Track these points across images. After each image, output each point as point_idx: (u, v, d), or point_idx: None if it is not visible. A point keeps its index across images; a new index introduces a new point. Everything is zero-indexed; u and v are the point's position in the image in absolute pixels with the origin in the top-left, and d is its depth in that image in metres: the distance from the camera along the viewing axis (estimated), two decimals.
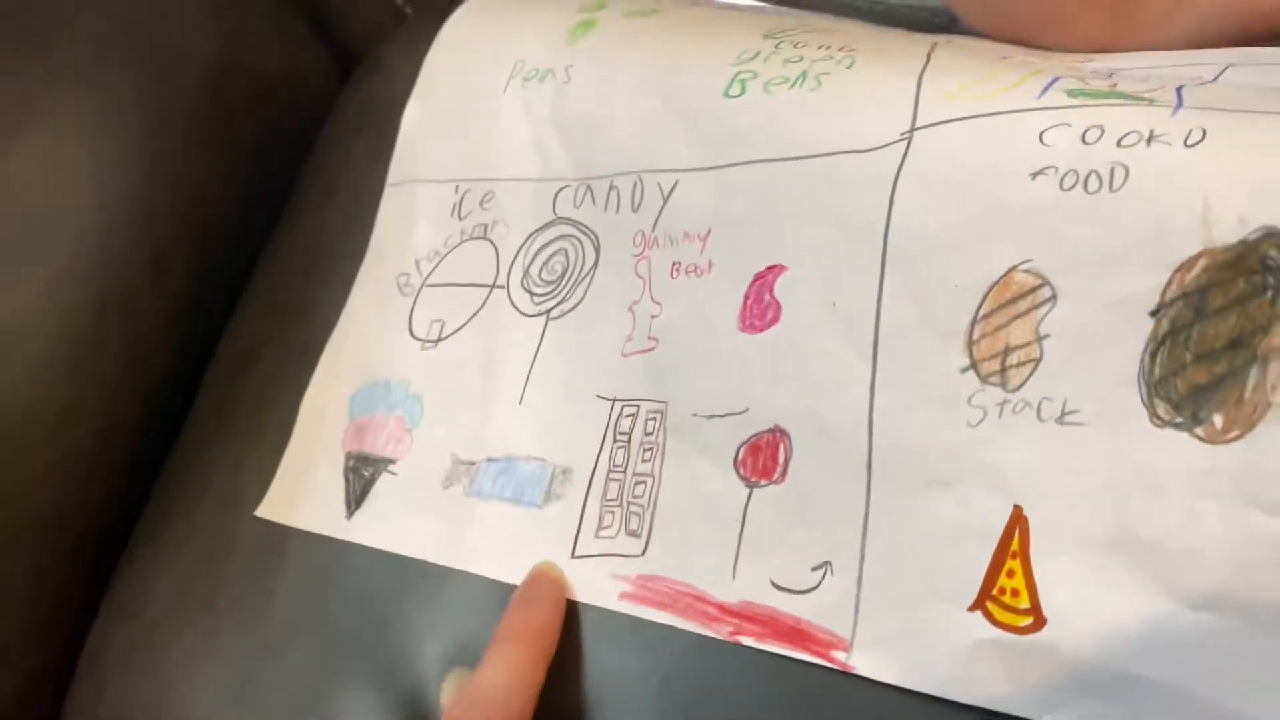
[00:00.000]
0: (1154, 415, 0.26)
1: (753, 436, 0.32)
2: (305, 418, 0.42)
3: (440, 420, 0.39)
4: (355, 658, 0.37)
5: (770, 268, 0.33)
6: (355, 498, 0.39)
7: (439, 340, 0.40)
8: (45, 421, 0.44)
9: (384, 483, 0.39)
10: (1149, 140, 0.27)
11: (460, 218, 0.42)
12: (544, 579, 0.34)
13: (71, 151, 0.46)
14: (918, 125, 0.31)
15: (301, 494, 0.41)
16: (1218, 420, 0.25)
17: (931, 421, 0.29)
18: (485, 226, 0.41)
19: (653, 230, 0.36)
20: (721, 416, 0.33)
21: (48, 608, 0.45)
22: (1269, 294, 0.25)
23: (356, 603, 0.38)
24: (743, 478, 0.32)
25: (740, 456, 0.32)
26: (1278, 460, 0.24)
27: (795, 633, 0.30)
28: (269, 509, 0.41)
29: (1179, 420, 0.26)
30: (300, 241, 0.47)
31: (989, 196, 0.29)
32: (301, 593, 0.39)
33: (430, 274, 0.42)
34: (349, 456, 0.40)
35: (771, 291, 0.33)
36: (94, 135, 0.46)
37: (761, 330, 0.33)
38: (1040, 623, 0.27)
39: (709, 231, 0.35)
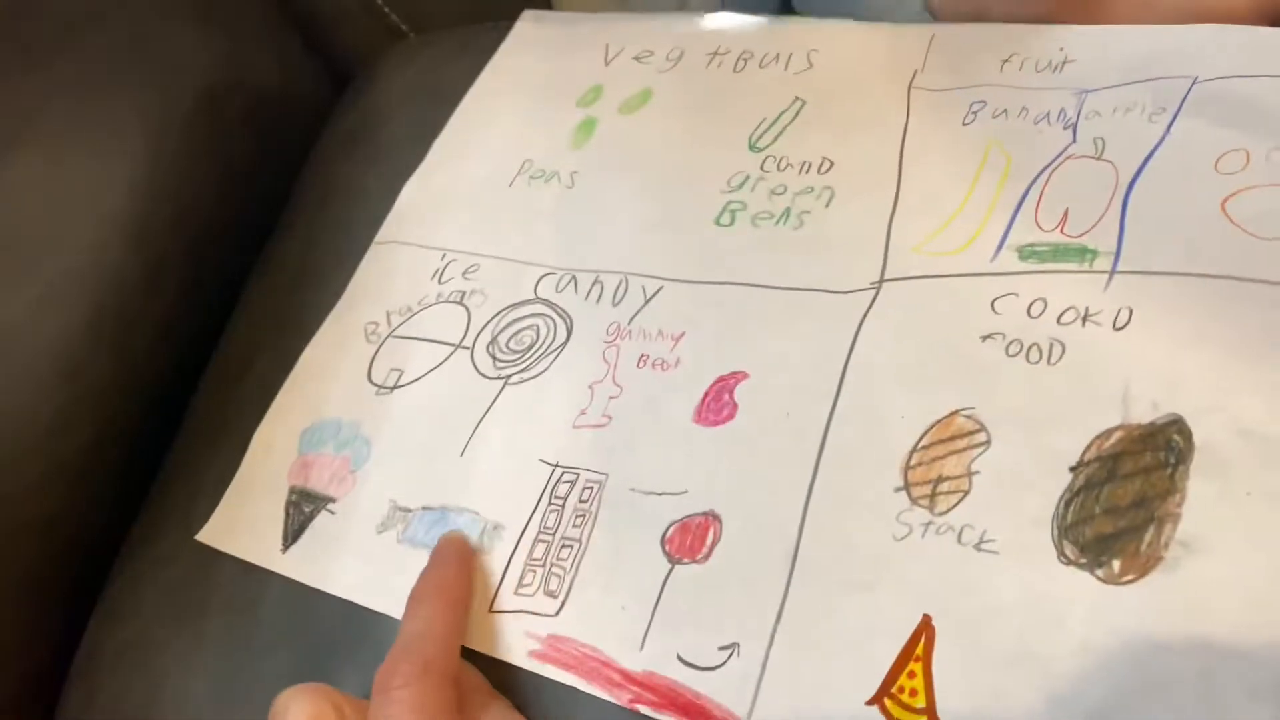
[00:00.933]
0: (1061, 554, 0.29)
1: (685, 517, 0.34)
2: (256, 447, 0.43)
3: (384, 464, 0.40)
4: (339, 661, 0.37)
5: (734, 373, 0.36)
6: (293, 532, 0.40)
7: (394, 388, 0.42)
8: (38, 429, 0.44)
9: (321, 520, 0.40)
10: (1084, 320, 0.32)
11: (440, 282, 0.44)
12: (449, 541, 0.36)
13: (69, 164, 0.47)
14: (886, 278, 0.36)
15: (242, 522, 0.41)
16: (1116, 565, 0.29)
17: (860, 529, 0.32)
18: (463, 294, 0.43)
19: (629, 324, 0.39)
20: (659, 494, 0.35)
21: (41, 611, 0.44)
22: (1169, 470, 0.29)
23: (341, 608, 0.37)
24: (667, 554, 0.34)
25: (669, 534, 0.34)
26: (1165, 604, 0.27)
27: (693, 707, 0.31)
28: (210, 534, 0.41)
29: (1083, 561, 0.29)
30: (292, 252, 0.48)
31: (942, 348, 0.33)
32: (289, 598, 0.39)
33: (398, 327, 0.43)
34: (292, 490, 0.41)
35: (731, 393, 0.36)
36: (91, 149, 0.48)
37: (715, 425, 0.35)
38: None
39: (683, 334, 0.38)
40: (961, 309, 0.34)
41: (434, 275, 0.44)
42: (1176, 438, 0.29)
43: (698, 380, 0.36)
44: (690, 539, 0.34)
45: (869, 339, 0.35)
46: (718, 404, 0.36)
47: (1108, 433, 0.30)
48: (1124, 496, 0.29)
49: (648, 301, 0.39)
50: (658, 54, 0.47)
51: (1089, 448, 0.30)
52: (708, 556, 0.33)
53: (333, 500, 0.40)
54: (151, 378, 0.48)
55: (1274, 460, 0.28)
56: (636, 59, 0.47)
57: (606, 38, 0.49)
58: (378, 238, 0.47)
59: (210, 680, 0.38)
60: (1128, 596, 0.28)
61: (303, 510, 0.40)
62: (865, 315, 0.35)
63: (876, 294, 0.35)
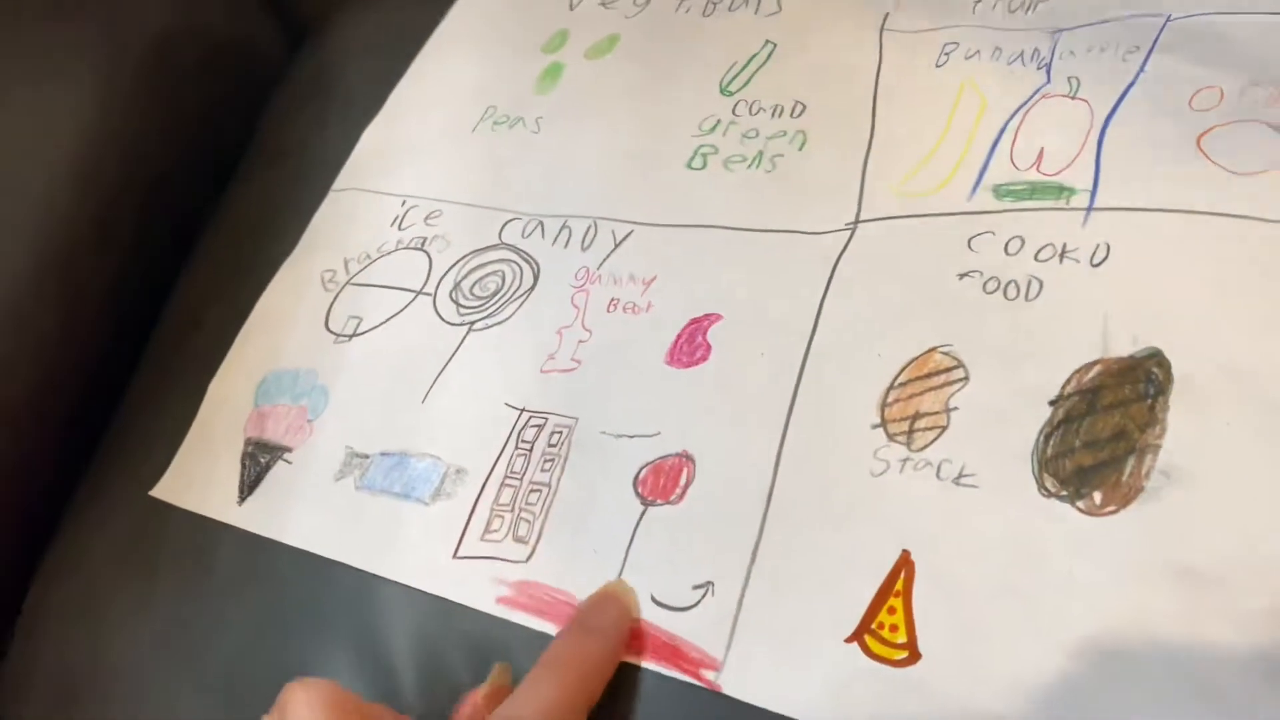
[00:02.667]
0: (1042, 487, 0.29)
1: (658, 458, 0.33)
2: (211, 400, 0.41)
3: (342, 413, 0.39)
4: (296, 611, 0.36)
5: (707, 315, 0.35)
6: (248, 484, 0.39)
7: (353, 336, 0.40)
8: None
9: (278, 471, 0.38)
10: (1061, 256, 0.32)
11: (401, 228, 0.42)
12: (609, 604, 0.31)
13: (14, 110, 0.45)
14: (861, 218, 0.35)
15: (198, 476, 0.40)
16: (1097, 497, 0.28)
17: (836, 466, 0.31)
18: (424, 240, 0.42)
19: (598, 269, 0.38)
20: (630, 436, 0.34)
21: None
22: (1149, 401, 0.29)
23: (298, 556, 0.36)
24: (640, 496, 0.33)
25: (641, 476, 0.33)
26: (1147, 533, 0.27)
27: (668, 649, 0.30)
28: (164, 489, 0.40)
29: (1064, 494, 0.29)
30: (246, 204, 0.47)
31: (920, 287, 0.33)
32: (242, 547, 0.37)
33: (357, 274, 0.42)
34: (248, 442, 0.40)
35: (705, 334, 0.35)
36: (36, 95, 0.46)
37: (689, 366, 0.35)
38: (915, 658, 0.28)
39: (654, 278, 0.37)
40: (938, 248, 0.33)
41: (394, 222, 0.43)
42: (1156, 370, 0.29)
43: (670, 323, 0.36)
44: (663, 480, 0.33)
45: (844, 279, 0.34)
46: (691, 346, 0.35)
47: (1087, 367, 0.30)
48: (1104, 429, 0.29)
49: (618, 245, 0.38)
50: (621, 1, 0.46)
51: (1068, 382, 0.30)
52: (681, 497, 0.32)
53: (289, 450, 0.39)
54: (101, 328, 0.46)
55: (1253, 391, 0.28)
56: (603, 4, 0.46)
57: None
58: (335, 185, 0.45)
59: (161, 629, 0.37)
60: (1109, 527, 0.28)
61: (259, 461, 0.39)
62: (840, 255, 0.35)
63: (852, 235, 0.35)
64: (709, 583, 0.31)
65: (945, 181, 0.35)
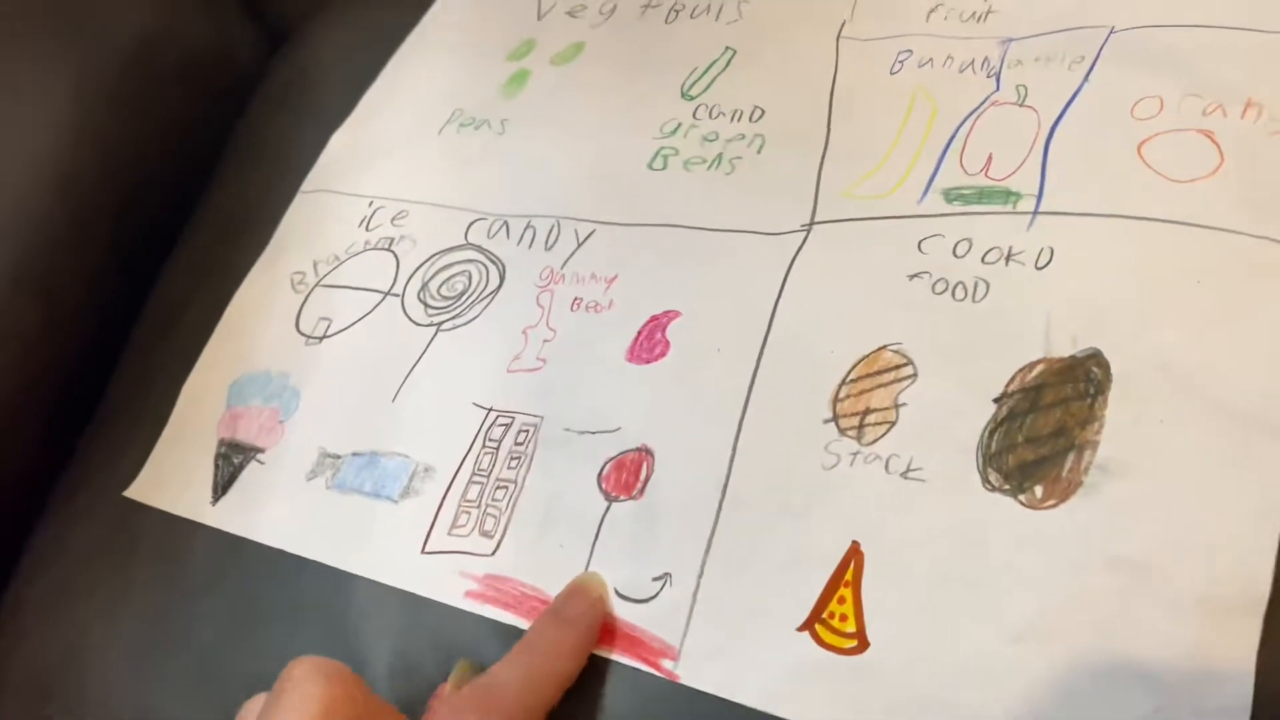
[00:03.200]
0: (986, 481, 0.30)
1: (620, 453, 0.34)
2: (184, 402, 0.42)
3: (313, 413, 0.39)
4: (270, 603, 0.36)
5: (666, 312, 0.36)
6: (222, 484, 0.39)
7: (323, 337, 0.41)
8: None
9: (251, 471, 0.39)
10: (1007, 259, 0.33)
11: (368, 229, 0.43)
12: (582, 595, 0.32)
13: None
14: (816, 220, 0.36)
15: (172, 477, 0.40)
16: (1038, 491, 0.29)
17: (789, 459, 0.32)
18: (391, 240, 0.43)
19: (562, 268, 0.39)
20: (594, 433, 0.35)
21: None
22: (1089, 400, 0.30)
23: (272, 554, 0.37)
24: (604, 492, 0.34)
25: (605, 471, 0.34)
26: (1085, 526, 0.29)
27: (628, 639, 0.31)
28: (139, 490, 0.41)
29: (1006, 487, 0.30)
30: (223, 205, 0.48)
31: (872, 287, 0.34)
32: (218, 545, 0.38)
33: (326, 275, 0.43)
34: (221, 443, 0.40)
35: (664, 331, 0.36)
36: (15, 96, 0.46)
37: (648, 362, 0.36)
38: (864, 646, 0.29)
39: (615, 276, 0.38)
40: (889, 250, 0.35)
41: (361, 223, 0.44)
42: (1095, 370, 0.30)
43: (631, 320, 0.37)
44: (625, 475, 0.34)
45: (799, 278, 0.35)
46: (650, 342, 0.36)
47: (1030, 366, 0.31)
48: (1045, 426, 0.30)
49: (580, 245, 0.39)
50: (590, 8, 0.47)
51: (1012, 380, 0.31)
52: (642, 492, 0.33)
53: (261, 450, 0.39)
54: (79, 330, 0.47)
55: (1186, 389, 0.29)
56: (570, 13, 0.47)
57: None
58: (304, 186, 0.46)
59: (138, 624, 0.38)
60: (1049, 520, 0.29)
61: (232, 462, 0.40)
62: (796, 255, 0.36)
63: (807, 235, 0.36)
64: (667, 574, 0.32)
65: (897, 185, 0.36)
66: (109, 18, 0.49)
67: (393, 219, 0.43)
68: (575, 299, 0.38)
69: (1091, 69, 0.36)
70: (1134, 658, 0.27)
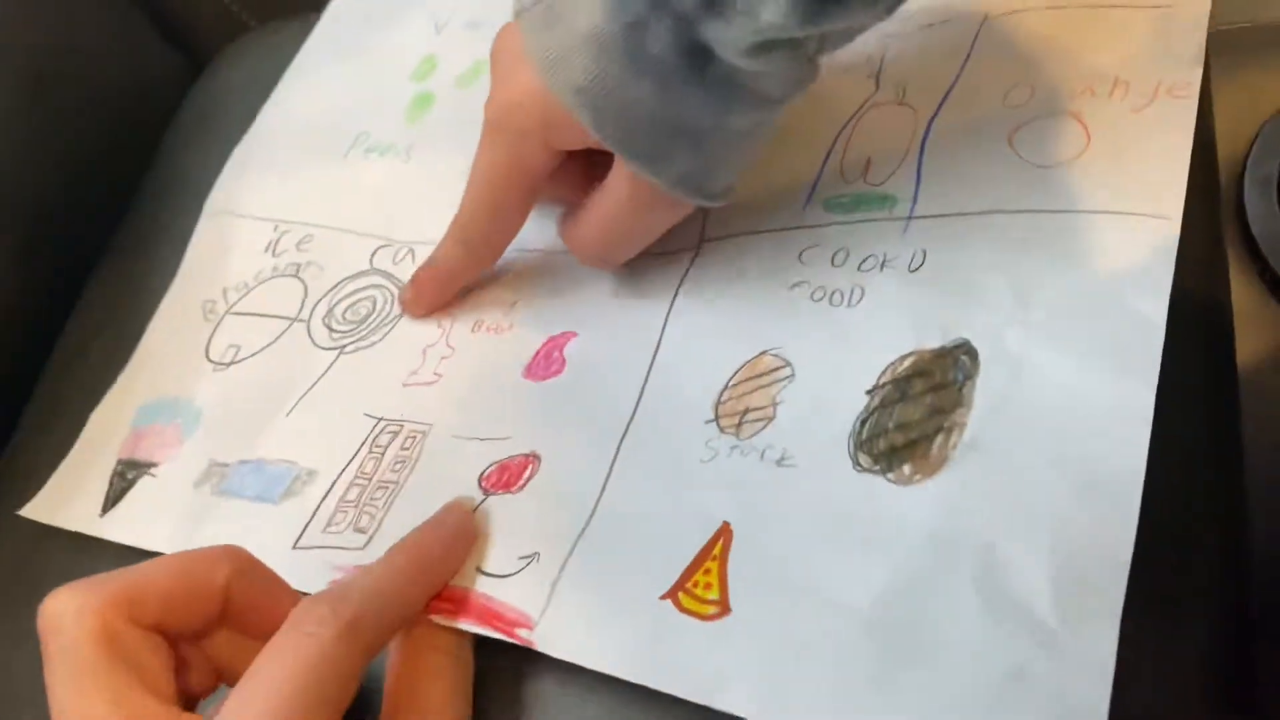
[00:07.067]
0: (856, 464, 0.30)
1: (506, 458, 0.34)
2: (90, 429, 0.42)
3: (212, 431, 0.39)
4: None
5: (564, 333, 0.37)
6: (112, 498, 0.39)
7: (231, 364, 0.41)
8: None
9: (143, 485, 0.39)
10: (882, 266, 0.34)
11: (275, 255, 0.44)
12: (450, 507, 0.33)
13: None
14: (707, 236, 0.38)
15: (68, 496, 0.40)
16: (907, 469, 0.29)
17: (669, 456, 0.32)
18: (298, 266, 0.43)
19: (464, 295, 0.40)
20: (481, 439, 0.35)
21: None
22: (958, 386, 0.30)
23: None
24: (483, 489, 0.34)
25: (487, 473, 0.34)
26: (950, 498, 0.28)
27: (485, 611, 0.30)
28: (34, 509, 0.40)
29: (876, 468, 0.30)
30: (133, 239, 0.48)
31: (755, 298, 0.35)
32: (118, 563, 0.36)
33: (236, 303, 0.43)
34: (120, 463, 0.40)
35: (561, 350, 0.37)
36: None
37: (544, 379, 0.36)
38: (724, 612, 0.28)
39: (515, 302, 0.39)
40: (772, 262, 0.36)
41: (267, 248, 0.44)
42: (964, 358, 0.31)
43: (530, 342, 0.37)
44: (507, 476, 0.34)
45: (688, 292, 0.36)
46: (548, 361, 0.36)
47: (901, 359, 0.32)
48: (915, 412, 0.30)
49: (486, 271, 0.40)
50: (489, 23, 0.48)
51: (884, 373, 0.32)
52: (521, 489, 0.33)
53: (155, 465, 0.39)
54: None
55: (1051, 369, 0.30)
56: (470, 25, 0.49)
57: (435, 4, 0.50)
58: (206, 208, 0.47)
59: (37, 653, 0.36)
60: (915, 494, 0.29)
61: (125, 478, 0.39)
62: (687, 272, 0.37)
63: (697, 253, 0.37)
64: (535, 553, 0.31)
65: (781, 197, 0.37)
66: (13, 42, 0.49)
67: (298, 244, 0.44)
68: (476, 321, 0.39)
69: (966, 60, 0.38)
70: (992, 622, 0.26)
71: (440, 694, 0.29)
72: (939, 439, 0.30)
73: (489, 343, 0.38)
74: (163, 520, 0.37)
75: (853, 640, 0.27)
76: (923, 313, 0.32)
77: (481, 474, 0.34)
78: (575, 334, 0.37)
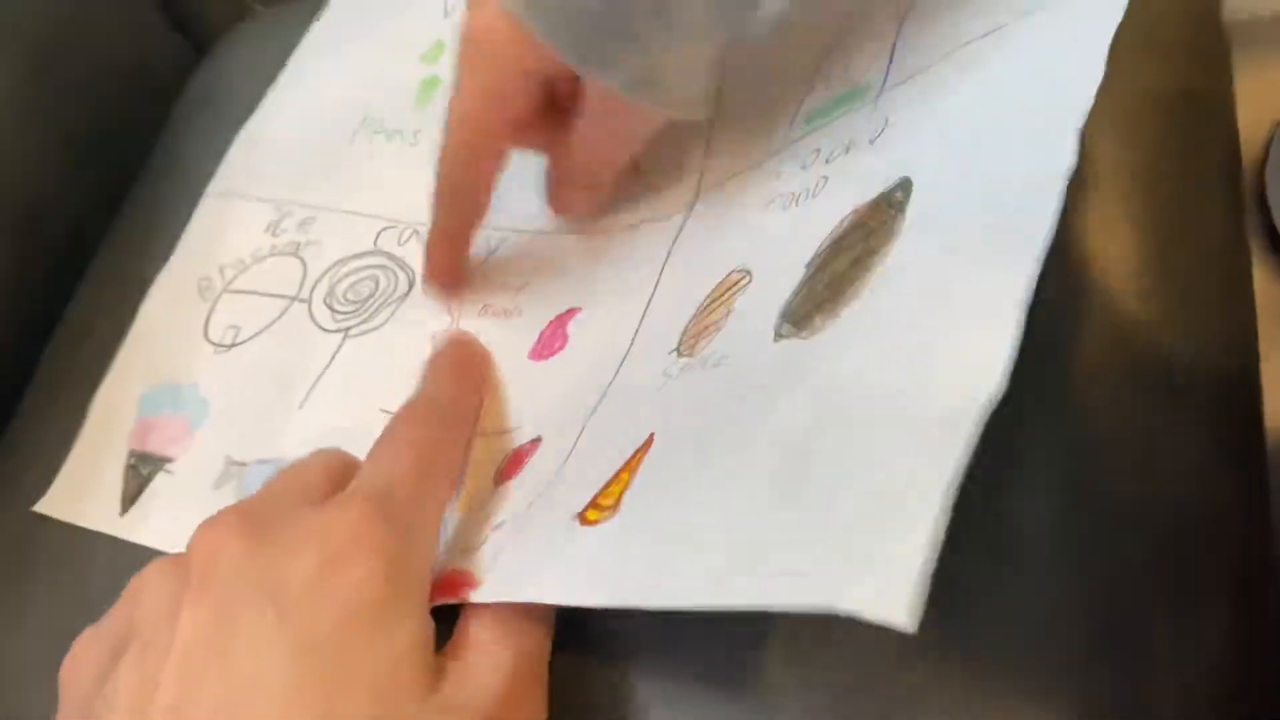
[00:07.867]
0: (778, 335, 0.27)
1: (515, 449, 0.33)
2: (95, 414, 0.42)
3: (222, 422, 0.39)
4: None
5: (569, 310, 0.36)
6: (130, 495, 0.39)
7: (232, 345, 0.41)
8: None
9: (159, 481, 0.39)
10: (847, 149, 0.31)
11: (275, 235, 0.44)
12: (454, 342, 0.31)
13: None
14: (702, 190, 0.36)
15: (84, 490, 0.40)
16: (817, 320, 0.26)
17: (631, 396, 0.30)
18: (298, 245, 0.43)
19: (471, 276, 0.39)
20: (489, 434, 0.34)
21: None
22: (891, 223, 0.26)
23: None
24: (498, 484, 0.32)
25: (503, 468, 0.32)
26: (853, 337, 0.25)
27: (437, 583, 0.28)
28: (49, 505, 0.40)
29: (795, 333, 0.26)
30: (137, 216, 0.48)
31: (736, 230, 0.33)
32: (121, 556, 0.37)
33: (232, 281, 0.43)
34: (131, 454, 0.40)
35: (565, 328, 0.35)
36: None
37: (548, 358, 0.35)
38: (614, 514, 0.25)
39: (524, 285, 0.38)
40: (755, 193, 0.33)
41: (268, 228, 0.44)
42: (899, 194, 0.27)
43: (536, 323, 0.36)
44: (516, 463, 0.32)
45: (679, 251, 0.34)
46: (552, 339, 0.35)
47: (840, 223, 0.28)
48: (844, 262, 0.27)
49: (491, 253, 0.39)
50: None
51: (823, 243, 0.28)
52: (521, 472, 0.32)
53: (170, 460, 0.39)
54: None
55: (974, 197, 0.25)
56: None
57: None
58: (209, 189, 0.46)
59: (38, 637, 0.37)
60: (821, 342, 0.25)
61: (140, 473, 0.39)
62: (679, 233, 0.35)
63: (691, 210, 0.35)
64: (502, 521, 0.30)
65: (768, 129, 0.35)
66: (17, 22, 0.49)
67: (300, 224, 0.43)
68: (484, 305, 0.38)
69: None
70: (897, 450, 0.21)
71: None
72: (859, 282, 0.26)
73: (496, 327, 0.37)
74: (185, 523, 0.35)
75: (744, 504, 0.23)
76: (869, 174, 0.29)
77: (498, 469, 0.33)
78: (579, 309, 0.36)
